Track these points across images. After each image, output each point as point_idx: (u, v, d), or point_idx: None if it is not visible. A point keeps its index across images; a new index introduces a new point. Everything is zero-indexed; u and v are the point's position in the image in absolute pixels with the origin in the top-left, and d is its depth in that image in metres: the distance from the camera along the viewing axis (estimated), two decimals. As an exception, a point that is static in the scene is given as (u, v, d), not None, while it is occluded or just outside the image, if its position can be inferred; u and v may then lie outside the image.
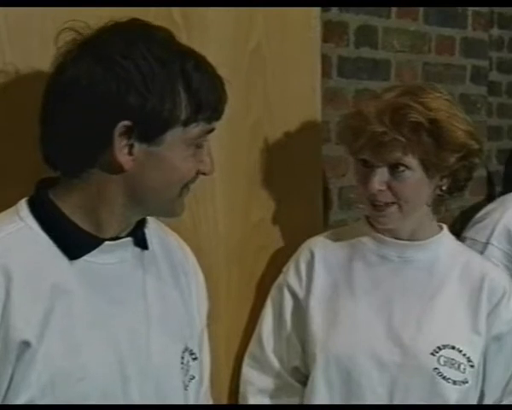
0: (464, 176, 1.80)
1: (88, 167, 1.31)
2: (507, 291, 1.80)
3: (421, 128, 1.69)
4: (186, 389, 1.45)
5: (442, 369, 1.73)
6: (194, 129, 1.32)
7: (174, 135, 1.30)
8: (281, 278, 1.90)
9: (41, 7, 1.50)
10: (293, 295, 1.87)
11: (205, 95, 1.31)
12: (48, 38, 1.49)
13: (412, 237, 1.81)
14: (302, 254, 1.89)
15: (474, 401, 1.79)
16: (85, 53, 1.28)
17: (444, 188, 1.79)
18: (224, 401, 1.92)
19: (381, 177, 1.72)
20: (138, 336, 1.37)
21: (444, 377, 1.72)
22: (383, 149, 1.70)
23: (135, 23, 1.33)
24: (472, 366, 1.75)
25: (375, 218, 1.80)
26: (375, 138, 1.69)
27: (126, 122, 1.27)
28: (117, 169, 1.30)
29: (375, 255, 1.83)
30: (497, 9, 3.09)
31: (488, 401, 1.81)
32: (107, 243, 1.35)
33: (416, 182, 1.74)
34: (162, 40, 1.31)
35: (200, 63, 1.32)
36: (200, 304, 1.54)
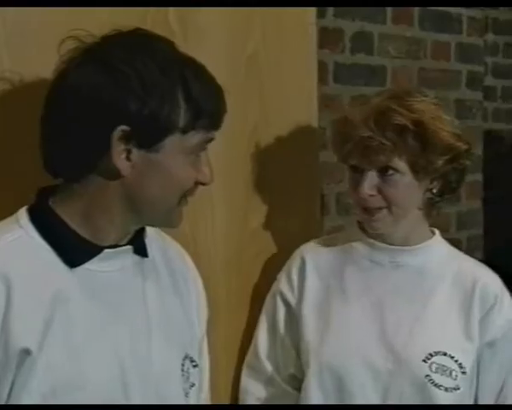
0: (455, 178, 1.79)
1: (87, 173, 1.32)
2: (499, 296, 1.78)
3: (406, 131, 1.68)
4: (187, 396, 1.45)
5: (434, 376, 1.71)
6: (193, 137, 1.32)
7: (173, 142, 1.30)
8: (274, 286, 1.90)
9: (40, 7, 1.50)
10: (286, 302, 1.86)
11: (204, 103, 1.31)
12: (46, 43, 1.49)
13: (404, 243, 1.80)
14: (294, 262, 1.88)
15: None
16: (87, 60, 1.29)
17: (434, 191, 1.78)
18: (223, 407, 1.91)
19: (370, 181, 1.71)
20: (139, 343, 1.37)
21: (435, 385, 1.71)
22: (370, 153, 1.69)
23: (137, 32, 1.34)
24: (464, 373, 1.73)
25: (366, 222, 1.79)
26: (361, 143, 1.69)
27: (124, 127, 1.27)
28: (115, 175, 1.30)
29: (367, 260, 1.82)
30: (491, 15, 3.10)
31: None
32: (106, 250, 1.35)
33: (406, 185, 1.73)
34: (163, 48, 1.32)
35: (200, 72, 1.33)
36: (199, 311, 1.54)
